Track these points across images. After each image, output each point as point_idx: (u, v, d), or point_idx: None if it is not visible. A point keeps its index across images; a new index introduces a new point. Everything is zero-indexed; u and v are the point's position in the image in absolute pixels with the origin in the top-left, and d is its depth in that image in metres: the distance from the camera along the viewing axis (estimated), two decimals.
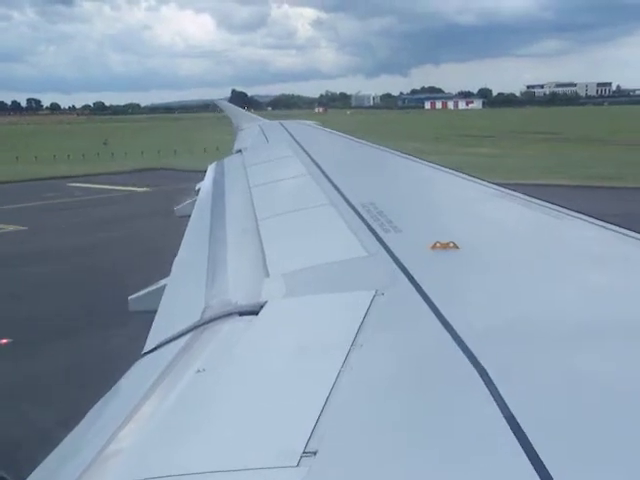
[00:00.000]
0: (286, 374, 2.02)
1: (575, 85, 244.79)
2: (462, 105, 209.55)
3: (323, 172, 5.83)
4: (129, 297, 4.21)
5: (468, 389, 1.68)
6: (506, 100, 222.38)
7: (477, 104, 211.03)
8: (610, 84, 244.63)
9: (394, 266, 2.80)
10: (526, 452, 1.36)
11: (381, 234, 3.38)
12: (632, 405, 1.57)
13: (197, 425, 1.78)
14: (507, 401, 1.56)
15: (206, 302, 2.90)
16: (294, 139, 9.89)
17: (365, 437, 1.56)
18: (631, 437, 1.43)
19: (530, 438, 1.41)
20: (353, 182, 5.28)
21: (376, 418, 1.63)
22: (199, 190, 7.44)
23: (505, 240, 3.28)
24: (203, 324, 2.62)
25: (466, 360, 1.81)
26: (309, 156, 7.27)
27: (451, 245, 2.95)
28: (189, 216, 5.84)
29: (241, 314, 2.59)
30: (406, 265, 2.77)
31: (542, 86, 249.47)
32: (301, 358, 2.10)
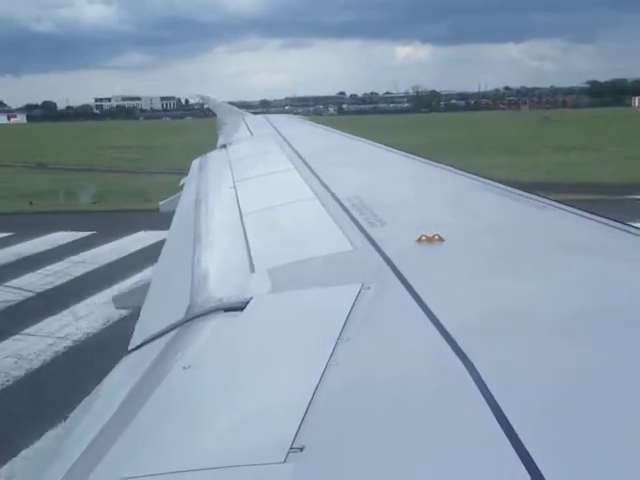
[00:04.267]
0: (272, 369, 2.01)
1: (140, 99, 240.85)
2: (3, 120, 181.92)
3: (308, 166, 5.82)
4: (113, 295, 4.20)
5: (456, 382, 1.67)
6: (75, 113, 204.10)
7: (21, 118, 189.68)
8: (173, 98, 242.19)
9: (380, 260, 2.79)
10: (514, 445, 1.36)
11: (367, 228, 3.38)
12: (621, 398, 1.58)
13: (184, 422, 1.77)
14: (494, 394, 1.56)
15: (191, 298, 2.89)
16: (279, 133, 9.87)
17: (353, 432, 1.55)
18: (619, 429, 1.44)
19: (518, 431, 1.41)
20: (339, 176, 5.28)
21: (363, 413, 1.63)
22: (183, 185, 7.40)
23: (491, 232, 3.29)
24: (188, 320, 2.60)
25: (453, 353, 1.81)
26: (294, 150, 7.26)
27: (437, 238, 2.95)
28: (173, 212, 5.82)
29: (226, 310, 2.57)
30: (392, 258, 2.77)
31: (110, 99, 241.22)
32: (287, 353, 2.09)
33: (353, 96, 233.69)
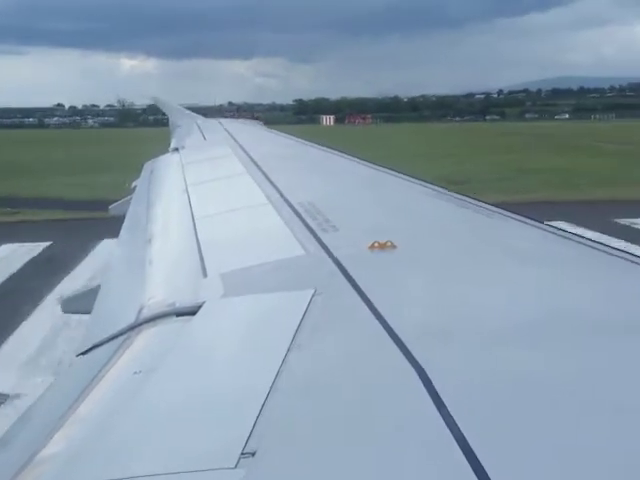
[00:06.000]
0: (224, 375, 2.00)
1: None
2: None
3: (262, 171, 5.81)
4: (62, 298, 4.11)
5: (406, 388, 1.69)
6: None
7: None
8: None
9: (332, 265, 2.81)
10: (462, 450, 1.38)
11: (320, 233, 3.39)
12: (567, 401, 1.61)
13: (133, 428, 1.74)
14: (444, 400, 1.58)
15: (142, 302, 2.85)
16: (233, 137, 9.83)
17: (304, 437, 1.55)
18: (567, 433, 1.47)
19: (466, 435, 1.43)
20: (292, 181, 5.28)
21: (315, 418, 1.63)
22: (134, 188, 7.31)
23: (442, 239, 3.33)
24: (139, 325, 2.57)
25: (404, 359, 1.83)
26: (248, 155, 7.24)
27: (389, 244, 2.98)
28: (124, 215, 5.74)
29: (178, 315, 2.55)
30: (344, 264, 2.78)
31: None
32: (239, 358, 2.08)
33: (72, 108, 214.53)
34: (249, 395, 1.75)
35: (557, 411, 1.56)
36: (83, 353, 2.60)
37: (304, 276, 2.78)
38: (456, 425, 1.47)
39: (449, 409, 1.53)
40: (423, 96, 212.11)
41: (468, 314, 2.22)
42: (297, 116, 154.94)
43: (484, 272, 2.74)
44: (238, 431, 1.56)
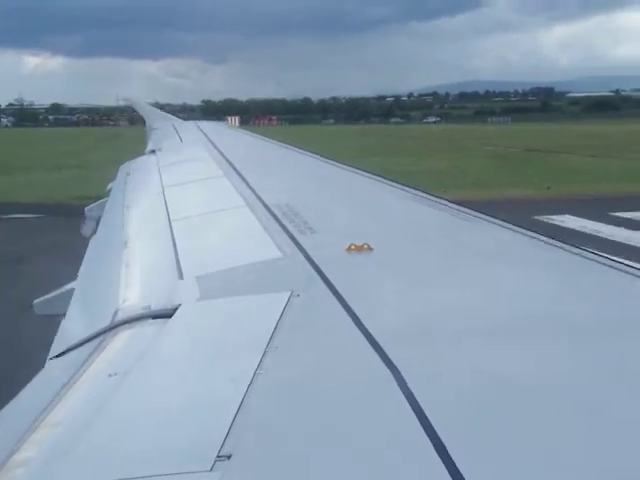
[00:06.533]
0: (200, 377, 1.99)
1: None
2: None
3: (238, 173, 5.80)
4: (34, 301, 4.06)
5: (382, 389, 1.70)
6: None
7: None
8: None
9: (309, 268, 2.81)
10: (438, 452, 1.39)
11: (297, 235, 3.39)
12: (545, 403, 1.63)
13: (108, 431, 1.73)
14: (419, 400, 1.59)
15: (117, 305, 2.83)
16: (209, 139, 9.80)
17: (279, 440, 1.55)
18: (540, 432, 1.49)
19: (441, 436, 1.44)
20: (269, 183, 5.28)
21: (291, 420, 1.64)
22: (110, 190, 7.26)
23: (418, 242, 3.36)
24: (115, 327, 2.55)
25: (380, 361, 1.84)
26: (224, 157, 7.22)
27: (365, 247, 2.99)
28: (99, 217, 5.70)
29: (154, 317, 2.54)
30: (321, 267, 2.79)
31: None
32: (215, 361, 2.08)
33: None
34: (225, 398, 1.75)
35: (532, 411, 1.58)
36: (57, 356, 2.57)
37: (280, 278, 2.79)
38: (431, 426, 1.48)
39: (424, 410, 1.55)
40: (334, 98, 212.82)
41: (443, 316, 2.24)
42: (206, 117, 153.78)
43: (459, 274, 2.76)
44: (214, 434, 1.55)
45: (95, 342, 2.46)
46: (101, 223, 5.32)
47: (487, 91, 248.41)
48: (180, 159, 7.98)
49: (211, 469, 1.42)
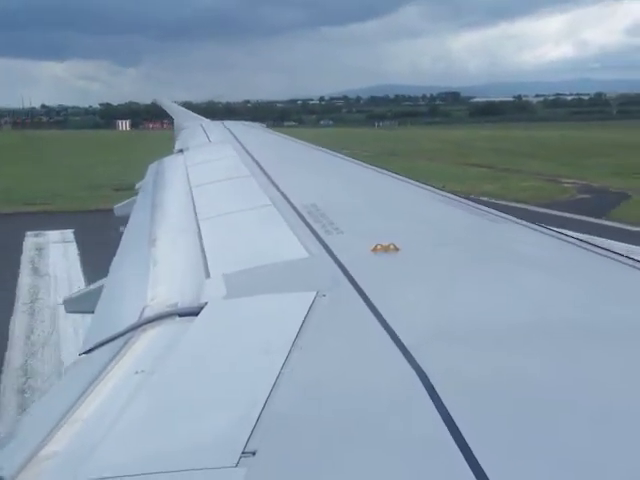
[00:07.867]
0: (226, 375, 2.01)
1: None
2: None
3: (265, 173, 5.83)
4: (64, 298, 4.11)
5: (408, 391, 1.70)
6: None
7: None
8: None
9: (335, 268, 2.81)
10: (463, 453, 1.39)
11: (323, 235, 3.40)
12: (574, 406, 1.62)
13: (135, 427, 1.75)
14: (445, 403, 1.58)
15: (145, 303, 2.86)
16: (237, 139, 9.85)
17: (304, 438, 1.56)
18: (569, 437, 1.48)
19: (467, 438, 1.43)
20: (296, 183, 5.29)
21: (316, 419, 1.64)
22: (139, 189, 7.32)
23: (445, 242, 3.34)
24: (142, 325, 2.58)
25: (406, 362, 1.83)
26: (252, 157, 7.25)
27: (392, 247, 2.99)
28: (128, 216, 5.75)
29: (181, 315, 2.56)
30: (347, 267, 2.79)
31: None
32: (241, 359, 2.09)
33: None
34: (250, 395, 1.76)
35: (559, 415, 1.57)
36: (86, 352, 2.61)
37: (306, 278, 2.79)
38: (457, 429, 1.47)
39: (450, 413, 1.54)
40: (247, 101, 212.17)
41: (471, 317, 2.23)
42: (103, 120, 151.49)
43: (487, 275, 2.74)
44: (239, 431, 1.57)
45: (123, 339, 2.48)
46: (129, 222, 5.37)
47: (397, 95, 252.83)
48: (207, 158, 8.02)
49: (236, 465, 1.44)
